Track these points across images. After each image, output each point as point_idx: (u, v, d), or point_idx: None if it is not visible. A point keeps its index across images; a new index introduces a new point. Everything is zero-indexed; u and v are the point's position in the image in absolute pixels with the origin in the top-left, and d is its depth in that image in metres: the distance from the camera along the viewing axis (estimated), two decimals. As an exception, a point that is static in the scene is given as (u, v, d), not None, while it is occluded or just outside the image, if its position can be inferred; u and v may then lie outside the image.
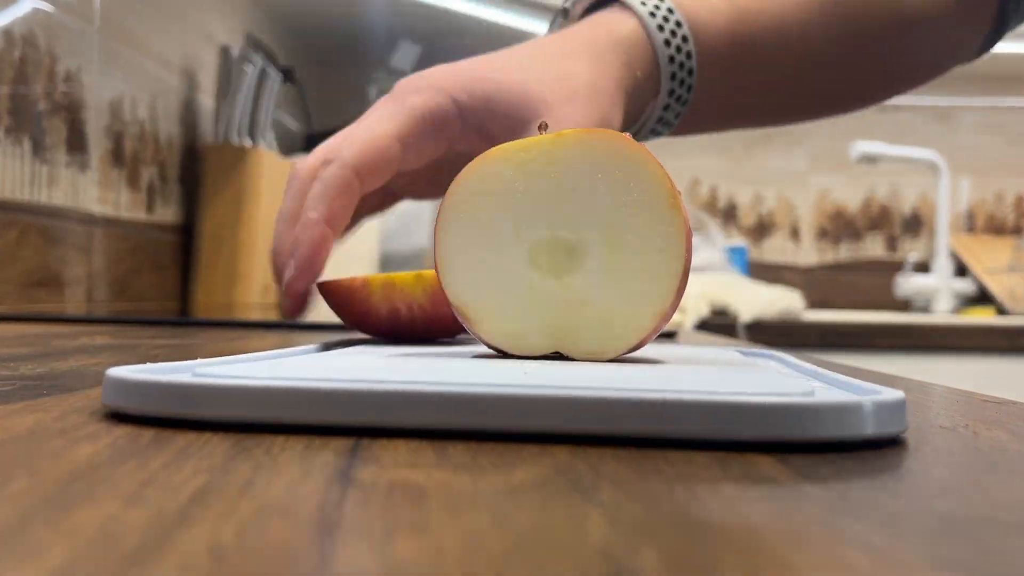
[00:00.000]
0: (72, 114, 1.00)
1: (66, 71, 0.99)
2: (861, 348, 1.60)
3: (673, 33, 0.48)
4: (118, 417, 0.24)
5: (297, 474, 0.18)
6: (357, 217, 0.52)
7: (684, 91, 0.49)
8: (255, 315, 1.09)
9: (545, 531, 0.15)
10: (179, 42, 1.32)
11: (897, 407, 0.23)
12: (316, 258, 0.45)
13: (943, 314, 2.02)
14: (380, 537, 0.14)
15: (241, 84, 1.32)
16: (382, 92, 1.99)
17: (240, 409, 0.23)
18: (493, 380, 0.24)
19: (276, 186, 1.38)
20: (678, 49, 0.48)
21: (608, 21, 0.48)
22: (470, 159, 0.45)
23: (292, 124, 1.79)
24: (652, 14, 0.48)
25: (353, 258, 1.40)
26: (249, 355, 0.32)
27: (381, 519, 0.15)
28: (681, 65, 0.48)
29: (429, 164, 0.51)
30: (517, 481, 0.18)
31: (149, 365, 0.27)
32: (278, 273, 0.48)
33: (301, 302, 0.46)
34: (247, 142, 1.34)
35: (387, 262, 1.48)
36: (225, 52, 1.35)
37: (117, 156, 1.11)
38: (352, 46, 2.01)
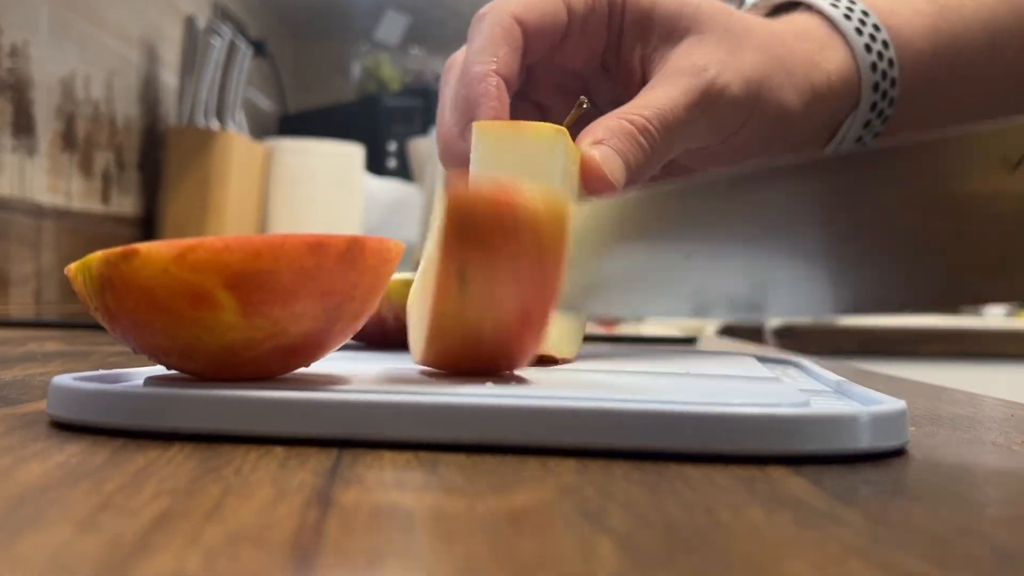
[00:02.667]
0: (18, 93, 1.00)
1: (12, 45, 0.99)
2: (905, 355, 1.60)
3: (872, 38, 0.46)
4: (71, 433, 0.24)
5: (270, 496, 0.18)
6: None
7: (886, 104, 0.47)
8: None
9: (550, 561, 0.15)
10: (138, 12, 1.32)
11: (896, 419, 0.24)
12: (497, 110, 0.40)
13: (997, 317, 2.02)
14: (363, 567, 0.14)
15: (208, 59, 1.32)
16: (365, 68, 1.99)
17: (199, 421, 0.23)
18: (477, 392, 0.24)
19: (246, 172, 1.38)
20: (879, 55, 0.46)
21: (794, 22, 0.47)
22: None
23: (264, 104, 1.79)
24: (847, 16, 0.47)
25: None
26: None
27: (364, 547, 0.15)
28: (884, 74, 0.47)
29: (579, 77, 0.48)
30: (518, 505, 0.18)
31: (101, 372, 0.27)
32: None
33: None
34: (214, 124, 1.34)
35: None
36: (190, 23, 1.35)
37: (69, 140, 1.11)
38: (332, 16, 2.01)
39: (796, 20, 0.47)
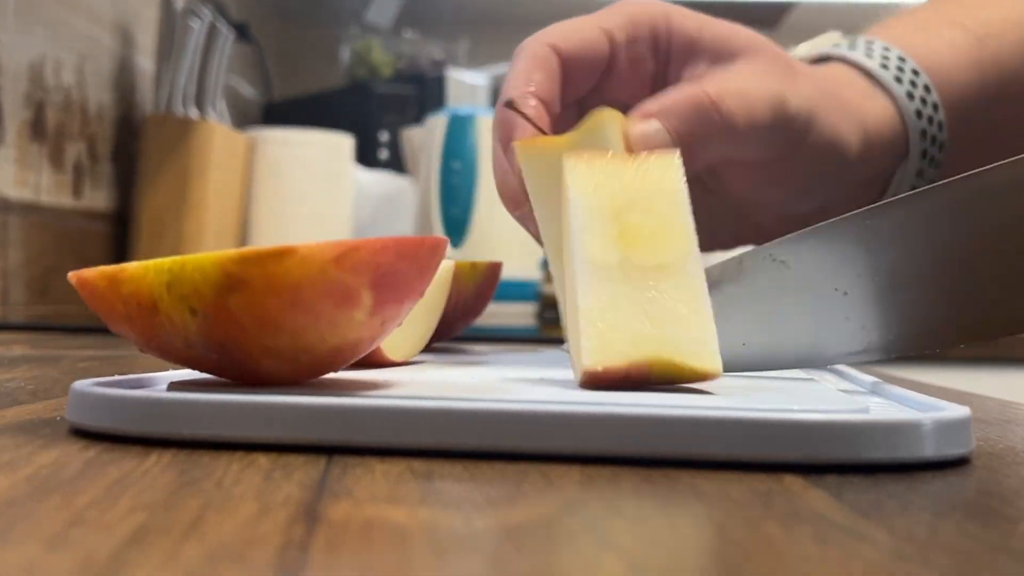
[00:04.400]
0: (-17, 79, 1.00)
1: (-24, 27, 0.99)
2: (933, 360, 1.60)
3: (913, 84, 0.48)
4: (41, 443, 0.24)
5: (254, 510, 0.18)
6: None
7: (936, 150, 0.48)
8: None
9: (551, 580, 0.15)
10: (112, -8, 1.32)
11: (961, 426, 0.24)
12: (534, 122, 0.41)
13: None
14: (353, 587, 0.14)
15: (186, 43, 1.32)
16: (355, 52, 1.99)
17: (177, 427, 0.24)
18: (474, 397, 0.25)
19: (227, 164, 1.38)
20: (923, 101, 0.47)
21: (835, 71, 0.48)
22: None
23: (247, 91, 1.79)
24: (884, 66, 0.48)
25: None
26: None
27: (353, 565, 0.15)
28: (930, 120, 0.48)
29: None
30: (518, 520, 0.18)
31: (118, 378, 0.28)
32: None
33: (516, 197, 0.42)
34: (193, 113, 1.34)
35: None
36: (167, 5, 1.35)
37: (38, 129, 1.11)
38: (320, -3, 2.01)
39: (836, 70, 0.48)
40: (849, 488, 0.21)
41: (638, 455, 0.23)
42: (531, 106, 0.41)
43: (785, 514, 0.19)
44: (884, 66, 0.48)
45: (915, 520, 0.19)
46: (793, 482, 0.21)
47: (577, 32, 0.44)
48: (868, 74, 0.48)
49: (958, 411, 0.25)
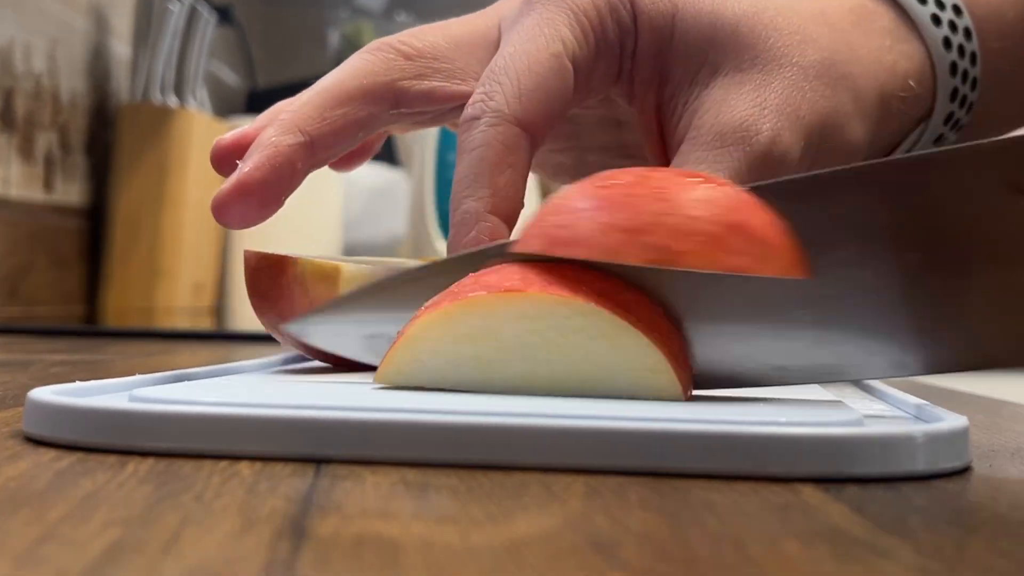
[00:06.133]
0: (-52, 65, 1.00)
1: (-59, 10, 0.99)
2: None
3: (953, 27, 0.38)
4: (9, 453, 0.24)
5: (236, 526, 0.18)
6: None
7: (963, 113, 0.40)
8: (182, 323, 1.09)
9: (554, 600, 0.15)
10: (85, -27, 1.32)
11: (956, 438, 0.24)
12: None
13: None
14: (343, 608, 0.14)
15: (165, 27, 1.32)
16: (344, 37, 1.99)
17: (158, 440, 0.24)
18: (485, 409, 0.25)
19: (208, 156, 1.38)
20: (960, 51, 0.38)
21: (852, 5, 0.38)
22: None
23: (230, 77, 1.79)
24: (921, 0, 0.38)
25: (312, 252, 1.39)
26: (176, 372, 0.32)
27: (344, 584, 0.15)
28: (964, 75, 0.38)
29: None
30: (518, 535, 0.18)
31: (77, 385, 0.28)
32: None
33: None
34: (172, 101, 1.34)
35: (352, 255, 1.46)
36: (144, -14, 1.35)
37: (6, 119, 1.11)
38: (307, -22, 2.01)
39: (869, 8, 0.39)
40: (871, 501, 0.21)
41: (642, 470, 0.23)
42: (487, 233, 0.34)
43: (803, 529, 0.19)
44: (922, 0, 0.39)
45: (942, 535, 0.19)
46: (812, 495, 0.21)
47: (541, 85, 0.35)
48: (898, 5, 0.39)
49: (955, 421, 0.25)
